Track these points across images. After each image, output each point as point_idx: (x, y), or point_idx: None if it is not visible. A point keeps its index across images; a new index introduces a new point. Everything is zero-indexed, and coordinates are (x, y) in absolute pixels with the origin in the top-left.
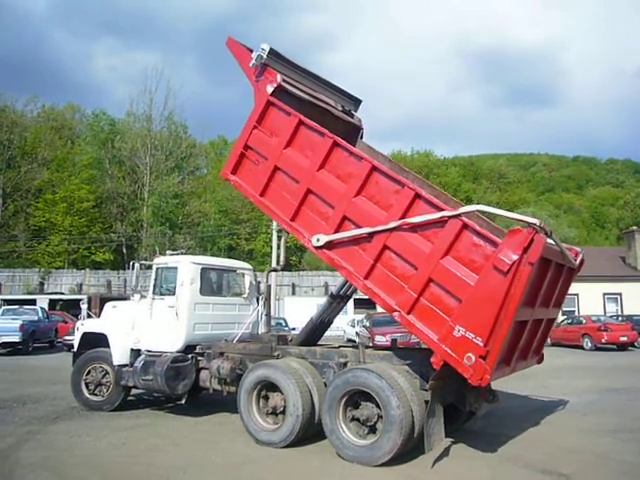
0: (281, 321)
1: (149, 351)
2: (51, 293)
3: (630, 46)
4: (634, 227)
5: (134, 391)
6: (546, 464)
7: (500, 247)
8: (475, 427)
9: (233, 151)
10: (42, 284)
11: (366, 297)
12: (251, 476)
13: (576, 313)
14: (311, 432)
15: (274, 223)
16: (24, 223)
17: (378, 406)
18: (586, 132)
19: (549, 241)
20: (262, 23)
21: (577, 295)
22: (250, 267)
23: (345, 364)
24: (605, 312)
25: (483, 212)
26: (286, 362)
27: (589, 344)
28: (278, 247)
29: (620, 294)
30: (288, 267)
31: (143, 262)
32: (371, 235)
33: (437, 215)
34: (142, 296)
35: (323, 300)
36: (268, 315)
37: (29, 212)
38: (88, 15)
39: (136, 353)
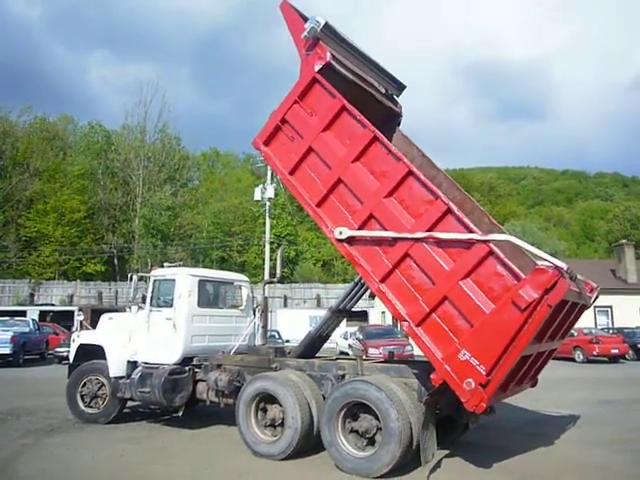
0: (274, 333)
1: (146, 363)
2: (41, 304)
3: (619, 61)
4: (624, 240)
5: (130, 403)
6: (543, 476)
7: (522, 283)
8: (471, 439)
9: (269, 122)
10: (32, 295)
11: (359, 310)
12: None
13: None
14: (309, 444)
15: (267, 235)
16: (15, 234)
17: (377, 418)
18: (575, 146)
19: (571, 284)
20: (256, 37)
21: None
22: (247, 279)
23: (343, 376)
24: (596, 325)
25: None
26: (285, 374)
27: (581, 356)
28: (271, 259)
29: (610, 307)
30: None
31: (142, 274)
32: (395, 240)
33: (465, 236)
34: (139, 308)
35: (315, 312)
36: (265, 327)
37: (20, 223)
38: (83, 27)
39: (133, 365)
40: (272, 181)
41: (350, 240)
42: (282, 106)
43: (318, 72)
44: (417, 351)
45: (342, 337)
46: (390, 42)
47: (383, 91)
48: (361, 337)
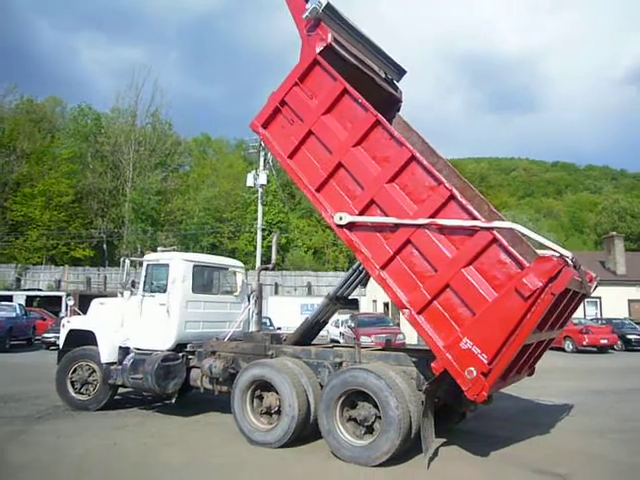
0: (266, 320)
1: (138, 349)
2: (28, 289)
3: (611, 56)
4: (614, 232)
5: (120, 390)
6: (541, 464)
7: (526, 271)
8: (466, 428)
9: (268, 104)
10: (19, 280)
11: (350, 298)
12: (249, 478)
13: None
14: (306, 432)
15: (259, 222)
16: (1, 217)
17: (376, 406)
18: (566, 138)
19: (574, 273)
20: (247, 21)
21: None
22: (242, 265)
23: (340, 364)
24: (585, 315)
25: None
26: (281, 361)
27: (570, 346)
28: (263, 246)
29: (600, 298)
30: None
31: (134, 259)
32: (397, 226)
33: (468, 223)
34: (132, 293)
35: (306, 300)
36: (259, 314)
37: (6, 206)
38: (70, 5)
39: (125, 351)
40: (265, 167)
41: (350, 226)
42: (282, 88)
43: (319, 54)
44: (409, 340)
45: (333, 325)
46: (388, 28)
47: (383, 75)
48: (353, 325)
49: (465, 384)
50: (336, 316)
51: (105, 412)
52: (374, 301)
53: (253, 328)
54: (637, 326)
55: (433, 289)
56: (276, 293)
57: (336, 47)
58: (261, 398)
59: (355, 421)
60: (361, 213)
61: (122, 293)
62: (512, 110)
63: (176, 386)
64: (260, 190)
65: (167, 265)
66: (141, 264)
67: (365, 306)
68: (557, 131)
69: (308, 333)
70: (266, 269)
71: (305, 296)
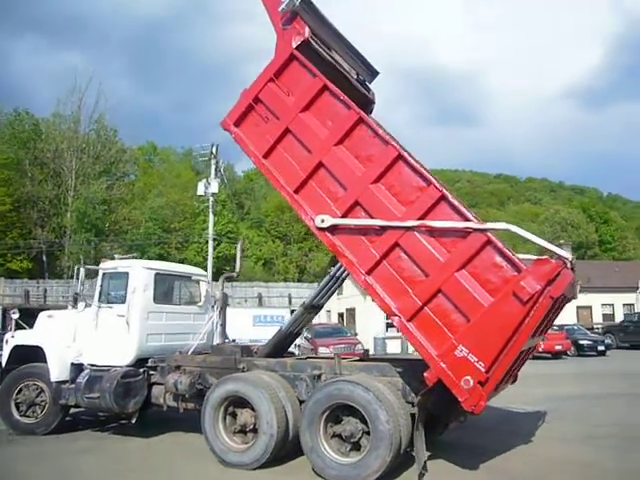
0: None
1: (94, 365)
2: None
3: (549, 72)
4: (562, 241)
5: (70, 411)
6: (533, 476)
7: (524, 274)
8: (447, 439)
9: (240, 100)
10: None
11: None
12: None
13: None
14: (283, 452)
15: (210, 231)
16: None
17: (362, 421)
18: (507, 151)
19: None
20: (197, 32)
21: None
22: (205, 273)
23: (319, 376)
24: None
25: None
26: (257, 375)
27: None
28: (215, 256)
29: None
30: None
31: (89, 267)
32: (384, 229)
33: (461, 224)
34: (87, 304)
35: (259, 311)
36: (224, 325)
37: None
38: (10, 10)
39: (78, 368)
40: (216, 175)
41: (333, 229)
42: (255, 84)
43: (296, 48)
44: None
45: None
46: None
47: (354, 76)
48: (310, 336)
49: (462, 394)
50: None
51: (56, 436)
52: (328, 311)
53: (217, 340)
54: (587, 332)
55: (424, 295)
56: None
57: (313, 43)
58: (234, 415)
59: (340, 437)
60: (344, 215)
61: (74, 305)
62: (456, 123)
63: (137, 405)
64: (211, 199)
65: (126, 274)
66: (96, 273)
67: (319, 317)
68: (499, 144)
69: (281, 345)
70: (230, 278)
71: (256, 307)
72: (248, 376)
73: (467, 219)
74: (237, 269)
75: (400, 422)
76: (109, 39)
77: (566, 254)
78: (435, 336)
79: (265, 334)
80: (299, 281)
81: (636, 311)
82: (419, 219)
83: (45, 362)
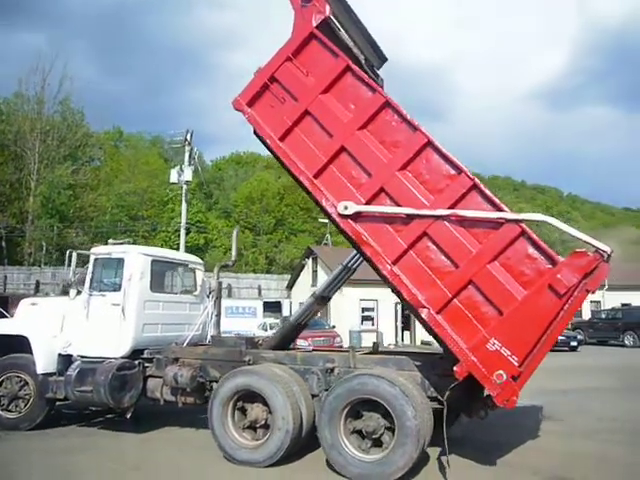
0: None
1: (84, 357)
2: None
3: (516, 71)
4: None
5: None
6: (552, 470)
7: (560, 267)
8: (454, 433)
9: (254, 79)
10: None
11: (273, 300)
12: None
13: None
14: (296, 448)
15: (182, 220)
16: None
17: (385, 416)
18: (472, 149)
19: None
20: (165, 16)
21: None
22: (201, 262)
23: (332, 370)
24: None
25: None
26: (269, 368)
27: None
28: (188, 244)
29: None
30: None
31: (81, 252)
32: (411, 217)
33: (495, 215)
34: (78, 292)
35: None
36: (218, 316)
37: None
38: None
39: (65, 359)
40: (190, 163)
41: (355, 216)
42: (271, 63)
43: (316, 27)
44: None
45: (260, 328)
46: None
47: (363, 60)
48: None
49: (494, 389)
50: (262, 319)
51: (42, 431)
52: (301, 303)
53: (212, 331)
54: None
55: (454, 286)
56: None
57: (332, 22)
58: (243, 411)
59: (359, 433)
60: (368, 202)
61: (63, 292)
62: (422, 119)
63: (132, 399)
64: (184, 187)
65: (122, 260)
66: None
67: (287, 309)
68: (465, 140)
69: (289, 337)
70: (226, 266)
71: (226, 298)
72: (260, 369)
73: (500, 209)
74: (233, 258)
75: (425, 417)
76: (73, 19)
77: (605, 247)
78: (464, 329)
79: (238, 326)
80: (268, 272)
81: (603, 308)
82: (449, 208)
83: (29, 353)
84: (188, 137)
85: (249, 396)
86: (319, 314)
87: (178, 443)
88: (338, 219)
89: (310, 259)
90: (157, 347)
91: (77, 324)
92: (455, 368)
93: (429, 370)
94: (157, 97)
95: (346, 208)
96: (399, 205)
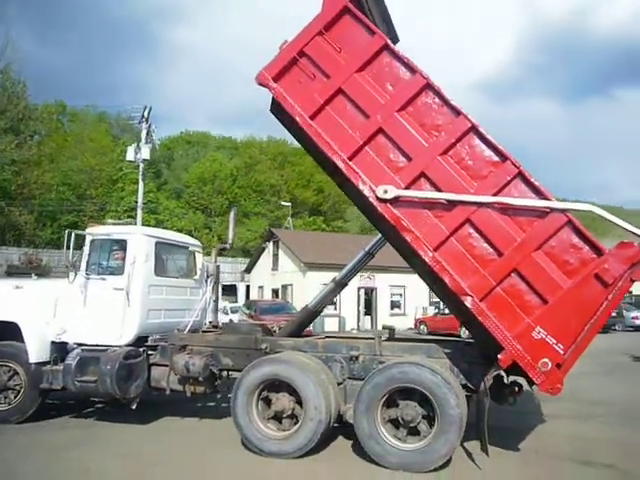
0: None
1: (81, 344)
2: None
3: (457, 62)
4: None
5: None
6: (577, 455)
7: (606, 257)
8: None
9: (281, 53)
10: None
11: (229, 284)
12: None
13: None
14: (322, 439)
15: (139, 199)
16: None
17: (421, 405)
18: None
19: None
20: None
21: None
22: (199, 244)
23: (357, 358)
24: None
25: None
26: (296, 357)
27: (467, 333)
28: (144, 224)
29: None
30: None
31: (78, 232)
32: (453, 203)
33: (542, 203)
34: (76, 275)
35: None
36: (216, 301)
37: None
38: None
39: (58, 347)
40: (147, 141)
41: (394, 201)
42: (301, 37)
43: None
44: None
45: (222, 312)
46: (260, 11)
47: None
48: (251, 312)
49: (539, 377)
50: (221, 303)
51: (36, 424)
52: (260, 287)
53: (209, 317)
54: None
55: (497, 274)
56: None
57: None
58: (267, 400)
59: (392, 422)
60: (407, 187)
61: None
62: None
63: (138, 389)
64: (142, 165)
65: (124, 241)
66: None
67: (244, 293)
68: None
69: (305, 324)
70: (224, 249)
71: None
72: (288, 357)
73: (546, 198)
74: (230, 240)
75: (464, 405)
76: None
77: None
78: (507, 317)
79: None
80: (221, 255)
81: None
82: (494, 195)
83: (16, 340)
84: (145, 113)
85: (274, 385)
86: (284, 299)
87: (187, 434)
88: (376, 203)
89: (271, 242)
90: (160, 334)
91: (72, 309)
92: (499, 356)
93: (458, 358)
94: (99, 72)
95: (386, 192)
96: (440, 190)
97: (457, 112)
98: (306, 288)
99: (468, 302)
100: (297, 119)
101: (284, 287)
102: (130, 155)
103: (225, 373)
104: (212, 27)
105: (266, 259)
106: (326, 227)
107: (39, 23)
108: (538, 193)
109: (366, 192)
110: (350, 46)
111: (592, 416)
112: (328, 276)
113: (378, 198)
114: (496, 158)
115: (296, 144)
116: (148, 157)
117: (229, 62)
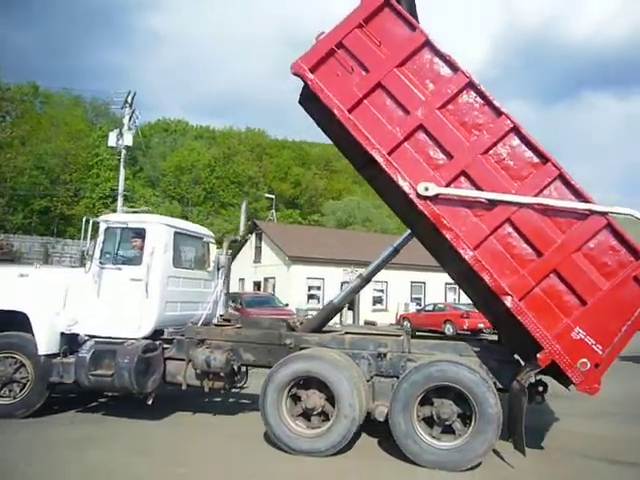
0: None
1: (94, 336)
2: None
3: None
4: None
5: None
6: (602, 453)
7: None
8: None
9: (319, 44)
10: None
11: None
12: None
13: (422, 301)
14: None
15: (120, 187)
16: None
17: (457, 403)
18: None
19: None
20: None
21: (424, 283)
22: (213, 235)
23: (385, 355)
24: (446, 300)
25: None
26: (328, 353)
27: (451, 330)
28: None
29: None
30: None
31: (96, 219)
32: (493, 203)
33: (583, 206)
34: (90, 263)
35: None
36: (227, 294)
37: None
38: None
39: (69, 339)
40: (130, 127)
41: (434, 198)
42: (340, 29)
43: None
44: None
45: None
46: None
47: None
48: (237, 305)
49: (578, 377)
50: None
51: (40, 420)
52: (241, 279)
53: (220, 310)
54: None
55: (536, 274)
56: None
57: None
58: (295, 398)
59: (425, 420)
60: (448, 185)
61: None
62: None
63: (155, 383)
64: (124, 152)
65: (142, 230)
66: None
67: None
68: None
69: (329, 319)
70: (235, 240)
71: None
72: (320, 354)
73: (587, 200)
74: (241, 231)
75: (499, 404)
76: None
77: None
78: (545, 317)
79: None
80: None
81: None
82: (534, 196)
83: (24, 331)
84: (129, 99)
85: (304, 382)
86: (270, 293)
87: (203, 429)
88: (416, 200)
89: (254, 234)
90: (175, 327)
91: (85, 300)
92: (539, 355)
93: (487, 356)
94: (71, 55)
95: (427, 189)
96: (480, 189)
97: (499, 112)
98: (289, 281)
99: (508, 301)
100: (335, 111)
101: (266, 280)
102: (112, 141)
103: (244, 369)
104: (187, 15)
105: (248, 251)
106: (302, 220)
107: (15, 6)
108: (578, 195)
109: (406, 188)
110: (390, 40)
111: (604, 414)
112: (312, 270)
113: (419, 195)
114: (537, 159)
115: (274, 136)
116: (131, 144)
117: (197, 52)
